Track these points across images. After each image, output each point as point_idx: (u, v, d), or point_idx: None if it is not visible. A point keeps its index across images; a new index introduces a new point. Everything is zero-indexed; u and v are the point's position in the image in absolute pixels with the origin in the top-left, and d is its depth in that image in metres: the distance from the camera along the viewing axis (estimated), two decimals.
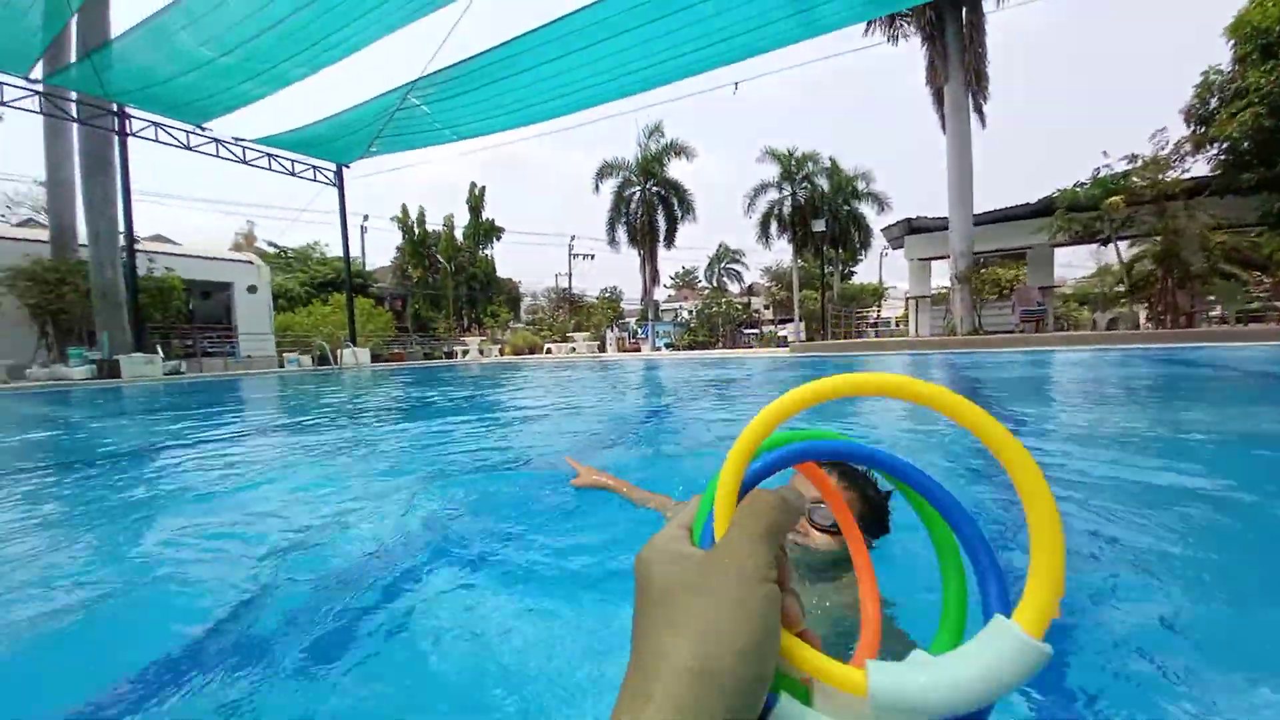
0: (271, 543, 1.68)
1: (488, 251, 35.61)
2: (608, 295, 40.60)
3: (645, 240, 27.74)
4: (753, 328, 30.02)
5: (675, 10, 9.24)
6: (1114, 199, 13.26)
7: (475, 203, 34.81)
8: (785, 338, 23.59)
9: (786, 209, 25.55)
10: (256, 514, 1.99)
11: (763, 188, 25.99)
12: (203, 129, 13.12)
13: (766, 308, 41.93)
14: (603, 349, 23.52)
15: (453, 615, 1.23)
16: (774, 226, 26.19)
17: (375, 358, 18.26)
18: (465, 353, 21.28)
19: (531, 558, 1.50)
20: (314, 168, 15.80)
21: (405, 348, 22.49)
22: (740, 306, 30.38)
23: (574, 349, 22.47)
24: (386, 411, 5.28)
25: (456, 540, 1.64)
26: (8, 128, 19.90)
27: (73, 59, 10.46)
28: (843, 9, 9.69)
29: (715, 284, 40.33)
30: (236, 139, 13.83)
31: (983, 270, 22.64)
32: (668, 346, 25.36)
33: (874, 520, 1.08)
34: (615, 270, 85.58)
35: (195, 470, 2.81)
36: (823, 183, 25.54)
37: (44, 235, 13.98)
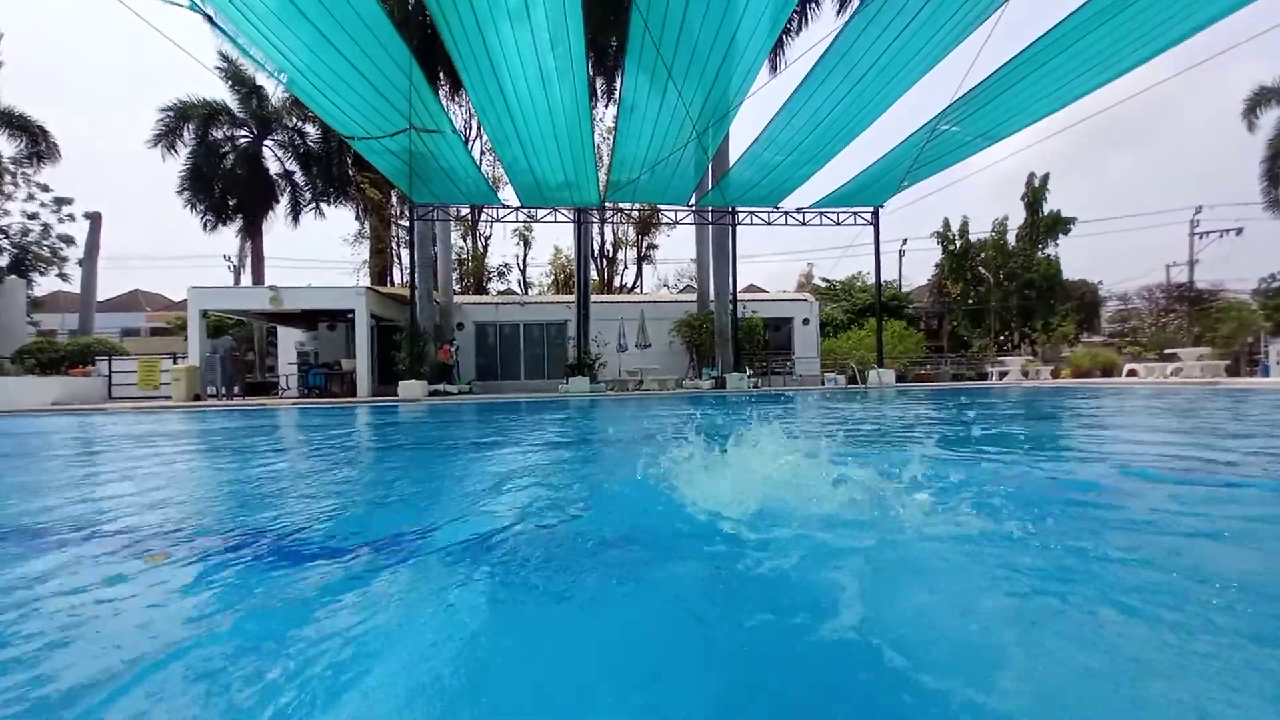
0: None
1: (1049, 251, 30.21)
2: (1266, 284, 26.70)
3: None
4: None
5: None
6: None
7: (1034, 196, 30.23)
8: None
9: None
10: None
11: None
12: (777, 208, 17.78)
13: None
14: (1235, 371, 16.10)
15: None
16: None
17: (900, 378, 19.21)
18: (1003, 374, 19.23)
19: None
20: (854, 214, 18.38)
21: (935, 368, 22.37)
22: None
23: (1179, 369, 16.44)
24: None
25: None
26: (677, 233, 32.30)
27: (709, 188, 16.59)
28: None
29: None
30: (798, 209, 17.95)
31: None
32: None
33: None
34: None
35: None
36: None
37: (693, 297, 22.21)
